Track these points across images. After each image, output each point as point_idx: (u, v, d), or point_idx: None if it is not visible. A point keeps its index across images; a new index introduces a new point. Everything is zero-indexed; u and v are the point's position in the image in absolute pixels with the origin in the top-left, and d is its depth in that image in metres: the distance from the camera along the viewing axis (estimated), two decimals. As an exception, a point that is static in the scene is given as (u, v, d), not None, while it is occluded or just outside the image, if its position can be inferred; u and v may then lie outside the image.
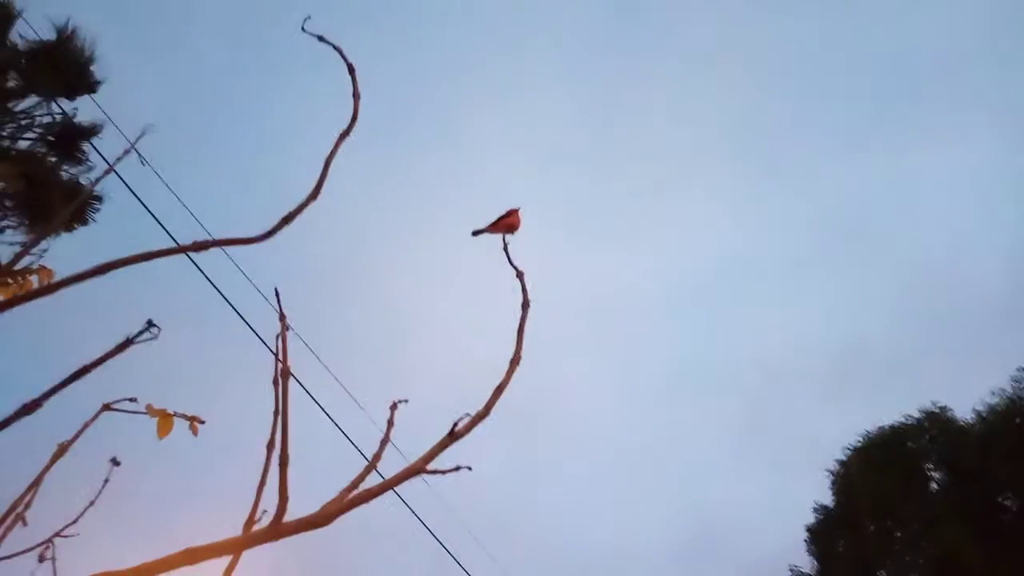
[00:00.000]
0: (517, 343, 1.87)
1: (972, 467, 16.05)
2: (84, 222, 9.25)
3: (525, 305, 1.98)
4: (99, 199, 9.22)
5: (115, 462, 1.89)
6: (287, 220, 1.57)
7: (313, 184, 1.66)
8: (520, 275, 2.14)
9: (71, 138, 9.56)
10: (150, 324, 1.61)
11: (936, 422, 17.26)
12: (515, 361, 1.78)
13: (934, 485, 17.07)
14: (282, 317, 1.62)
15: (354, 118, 1.71)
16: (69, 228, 8.87)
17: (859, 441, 17.77)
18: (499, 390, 1.73)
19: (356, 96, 1.74)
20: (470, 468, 1.51)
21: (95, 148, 9.46)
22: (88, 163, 9.59)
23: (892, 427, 17.51)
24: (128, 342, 1.58)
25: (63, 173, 9.57)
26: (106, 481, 1.86)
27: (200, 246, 1.57)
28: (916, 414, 17.36)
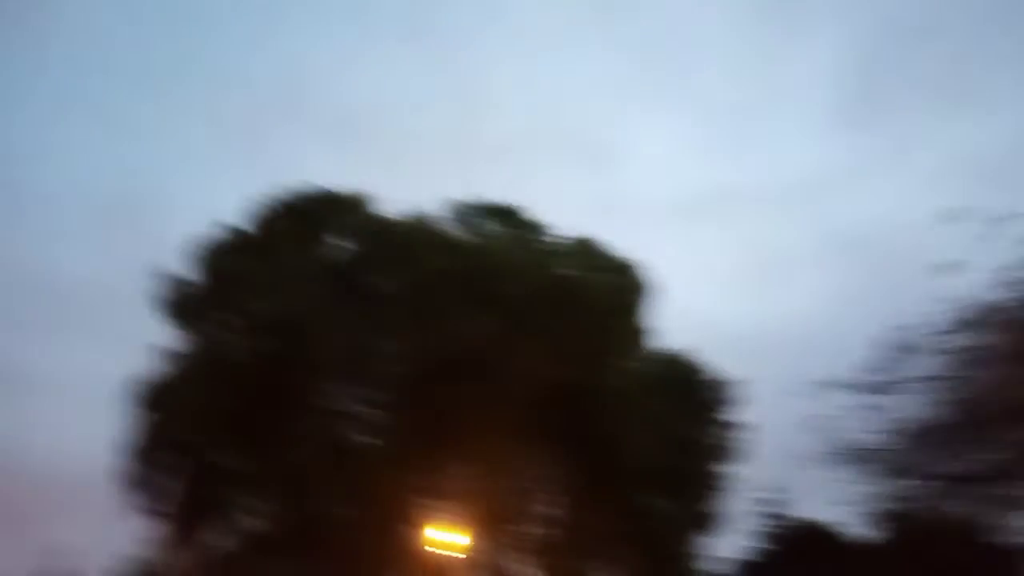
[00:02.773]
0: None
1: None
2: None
3: None
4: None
5: None
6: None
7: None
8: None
9: None
10: None
11: (353, 202, 18.68)
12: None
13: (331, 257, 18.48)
14: None
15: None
16: None
17: (278, 195, 18.73)
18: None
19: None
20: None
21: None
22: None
23: (308, 192, 18.68)
24: None
25: None
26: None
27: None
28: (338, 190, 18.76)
